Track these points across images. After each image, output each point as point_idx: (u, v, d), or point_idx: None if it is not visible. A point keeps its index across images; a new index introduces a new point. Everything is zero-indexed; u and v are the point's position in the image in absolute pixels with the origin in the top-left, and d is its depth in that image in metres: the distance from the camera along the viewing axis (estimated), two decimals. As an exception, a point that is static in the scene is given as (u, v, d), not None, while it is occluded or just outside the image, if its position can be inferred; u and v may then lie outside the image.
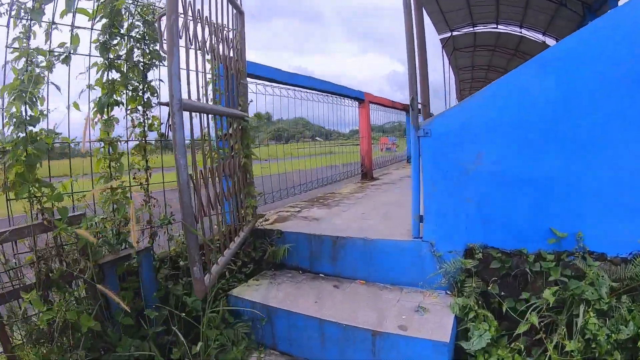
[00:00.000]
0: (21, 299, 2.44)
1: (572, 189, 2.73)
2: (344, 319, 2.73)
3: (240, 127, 3.42)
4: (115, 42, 3.10)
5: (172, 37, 2.03)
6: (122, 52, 3.16)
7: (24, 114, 2.50)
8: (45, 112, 2.69)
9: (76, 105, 2.91)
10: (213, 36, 2.86)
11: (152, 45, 3.29)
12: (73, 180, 2.81)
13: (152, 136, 3.37)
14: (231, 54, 3.39)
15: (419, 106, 3.02)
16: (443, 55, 27.24)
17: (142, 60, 3.23)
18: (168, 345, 2.80)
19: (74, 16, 2.83)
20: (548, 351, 2.56)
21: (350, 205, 4.82)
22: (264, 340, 3.07)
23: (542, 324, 2.67)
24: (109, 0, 2.93)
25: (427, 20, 23.00)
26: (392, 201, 4.95)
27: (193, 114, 2.58)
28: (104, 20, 2.99)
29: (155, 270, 3.11)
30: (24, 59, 2.57)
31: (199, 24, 2.70)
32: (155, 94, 3.32)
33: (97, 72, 3.05)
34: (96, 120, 3.03)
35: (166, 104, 2.03)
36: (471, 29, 23.62)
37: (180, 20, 2.25)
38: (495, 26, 22.26)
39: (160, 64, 3.32)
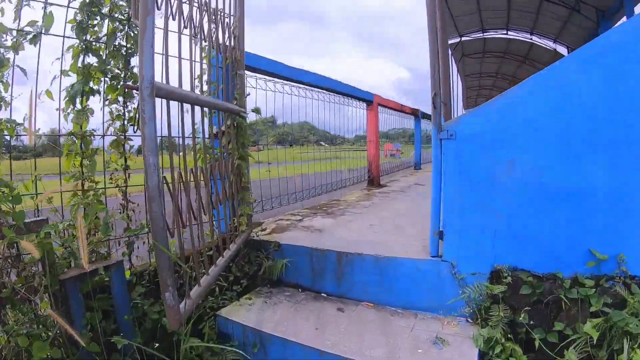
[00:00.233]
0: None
1: (615, 203, 2.33)
2: (349, 351, 2.30)
3: (235, 124, 3.00)
4: (95, 22, 2.70)
5: (146, 1, 1.61)
6: (103, 35, 2.75)
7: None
8: (7, 100, 2.33)
9: (49, 94, 2.53)
10: (205, 14, 2.44)
11: (136, 28, 2.88)
12: (39, 179, 2.42)
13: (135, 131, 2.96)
14: (227, 41, 2.98)
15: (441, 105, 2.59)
16: (451, 61, 26.99)
17: (125, 44, 2.82)
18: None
19: (48, -8, 2.45)
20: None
21: (356, 214, 4.38)
22: (256, 373, 2.63)
23: None
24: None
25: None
26: (403, 211, 4.52)
27: (185, 106, 2.19)
28: (83, -3, 2.60)
29: (132, 286, 2.69)
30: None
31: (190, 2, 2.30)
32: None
33: (72, 57, 2.66)
34: (69, 111, 2.63)
35: (134, 88, 1.61)
36: (481, 34, 23.29)
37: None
38: (506, 32, 21.86)
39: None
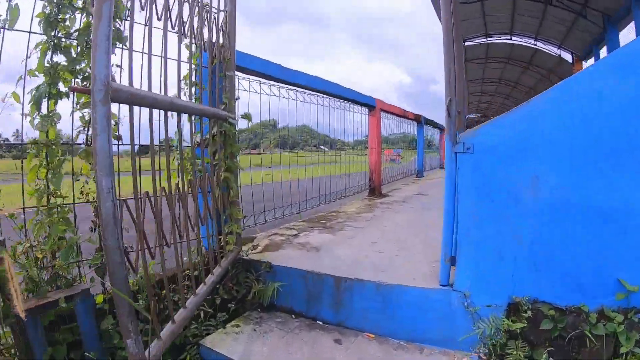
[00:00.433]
0: None
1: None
2: (347, 397, 1.99)
3: (221, 132, 2.70)
4: (66, 16, 2.40)
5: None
6: (74, 30, 2.44)
7: None
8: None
9: (15, 96, 2.24)
10: (185, 3, 2.13)
11: (115, 22, 2.57)
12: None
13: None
14: (214, 38, 2.68)
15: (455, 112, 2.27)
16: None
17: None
18: None
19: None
20: None
21: (357, 229, 4.06)
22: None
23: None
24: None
25: (437, 26, 22.39)
26: (407, 225, 4.20)
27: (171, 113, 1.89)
28: (53, -12, 2.29)
29: (104, 315, 2.38)
30: None
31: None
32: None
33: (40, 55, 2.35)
34: (35, 116, 2.32)
35: (84, 90, 1.30)
36: (484, 39, 23.06)
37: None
38: (509, 37, 21.63)
39: (123, 46, 2.59)
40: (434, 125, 13.64)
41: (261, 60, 3.56)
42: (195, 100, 2.70)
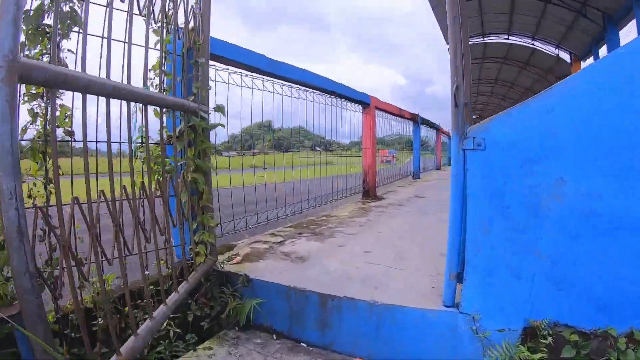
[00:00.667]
0: None
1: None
2: None
3: (190, 126, 2.33)
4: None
5: None
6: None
7: None
8: None
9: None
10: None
11: (69, 2, 2.21)
12: None
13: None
14: (186, 21, 2.32)
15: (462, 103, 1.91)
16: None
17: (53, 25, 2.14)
18: None
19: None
20: None
21: (349, 236, 3.69)
22: None
23: None
24: None
25: (435, 27, 22.18)
26: (404, 231, 3.83)
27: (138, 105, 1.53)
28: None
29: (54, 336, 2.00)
30: None
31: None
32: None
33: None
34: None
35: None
36: (481, 39, 22.79)
37: None
38: (507, 37, 21.35)
39: (81, 30, 2.22)
40: (431, 125, 13.34)
41: (243, 50, 3.20)
42: (166, 93, 2.35)
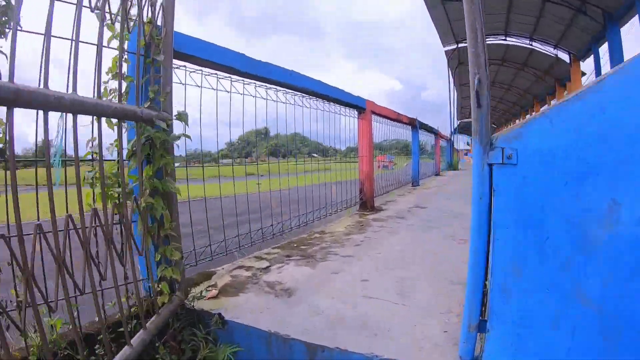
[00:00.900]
0: None
1: None
2: None
3: (146, 139, 1.90)
4: None
5: None
6: None
7: None
8: None
9: None
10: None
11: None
12: None
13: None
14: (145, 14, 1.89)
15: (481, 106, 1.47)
16: (449, 72, 26.24)
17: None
18: None
19: None
20: None
21: (344, 259, 3.22)
22: None
23: None
24: None
25: (432, 30, 21.87)
26: (406, 252, 3.37)
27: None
28: None
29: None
30: None
31: None
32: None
33: None
34: None
35: None
36: (478, 40, 22.39)
37: None
38: (504, 38, 21.02)
39: (7, 28, 1.79)
40: (429, 130, 12.95)
41: (215, 47, 2.75)
42: (124, 99, 1.92)
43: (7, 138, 1.18)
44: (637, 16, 12.92)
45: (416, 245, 3.59)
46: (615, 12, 14.28)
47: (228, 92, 3.09)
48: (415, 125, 9.77)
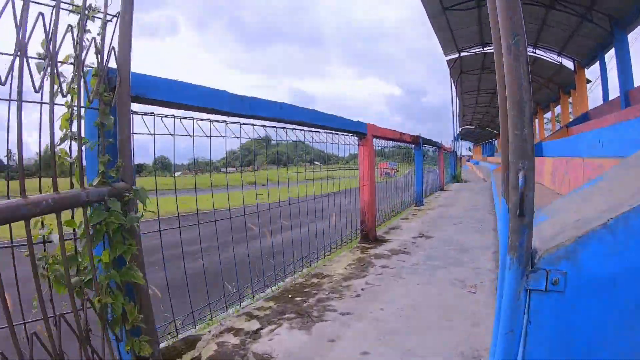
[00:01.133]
0: None
1: None
2: None
3: (99, 223, 1.58)
4: None
5: None
6: None
7: None
8: None
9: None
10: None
11: None
12: None
13: None
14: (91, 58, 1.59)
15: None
16: (451, 82, 26.02)
17: None
18: None
19: None
20: None
21: (342, 318, 2.86)
22: None
23: None
24: None
25: (434, 40, 21.64)
26: (411, 311, 3.03)
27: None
28: None
29: None
30: None
31: None
32: None
33: None
34: None
35: None
36: (480, 49, 22.25)
37: None
38: (507, 46, 20.69)
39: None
40: (433, 144, 12.68)
41: (189, 86, 2.40)
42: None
43: None
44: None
45: (422, 296, 3.25)
46: (623, 18, 13.96)
47: (207, 136, 2.77)
48: (418, 142, 9.45)
